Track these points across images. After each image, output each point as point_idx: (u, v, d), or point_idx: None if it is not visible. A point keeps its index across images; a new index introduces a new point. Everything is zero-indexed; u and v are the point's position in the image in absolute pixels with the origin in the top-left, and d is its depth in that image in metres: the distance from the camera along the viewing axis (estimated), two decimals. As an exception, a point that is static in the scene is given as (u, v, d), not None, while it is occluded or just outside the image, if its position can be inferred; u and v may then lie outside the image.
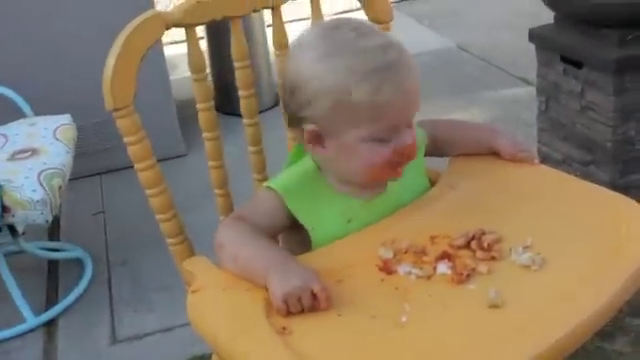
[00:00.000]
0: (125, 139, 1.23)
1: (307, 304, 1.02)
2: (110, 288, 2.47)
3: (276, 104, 3.64)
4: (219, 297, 1.08)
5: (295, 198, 1.19)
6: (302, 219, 1.19)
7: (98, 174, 3.18)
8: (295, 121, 1.18)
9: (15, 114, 2.59)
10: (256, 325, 1.00)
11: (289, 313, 1.01)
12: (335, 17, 1.24)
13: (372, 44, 1.13)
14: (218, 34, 3.51)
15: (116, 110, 1.21)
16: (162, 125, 3.13)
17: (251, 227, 1.15)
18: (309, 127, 1.15)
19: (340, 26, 1.17)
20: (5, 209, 2.15)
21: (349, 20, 1.20)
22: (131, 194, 2.84)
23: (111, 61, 1.20)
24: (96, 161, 3.13)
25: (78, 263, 2.57)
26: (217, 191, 1.39)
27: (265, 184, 1.23)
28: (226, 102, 3.39)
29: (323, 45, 1.14)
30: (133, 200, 2.79)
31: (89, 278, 2.49)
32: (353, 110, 1.12)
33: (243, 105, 1.39)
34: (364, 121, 1.12)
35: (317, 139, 1.17)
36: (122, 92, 1.21)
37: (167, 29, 1.26)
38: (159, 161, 1.28)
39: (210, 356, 2.01)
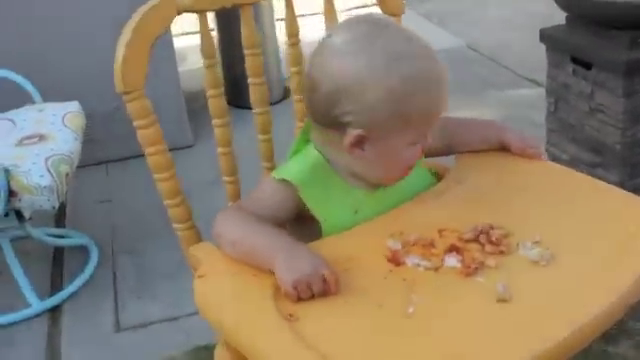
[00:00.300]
0: (135, 123, 1.23)
1: (317, 290, 1.02)
2: (115, 276, 2.47)
3: (284, 97, 3.64)
4: (226, 282, 1.08)
5: (309, 190, 1.19)
6: (315, 211, 1.19)
7: (105, 162, 3.18)
8: (335, 124, 1.16)
9: (24, 100, 2.59)
10: (262, 311, 1.00)
11: (299, 299, 1.01)
12: (358, 14, 1.23)
13: (420, 51, 1.14)
14: (229, 26, 3.51)
15: (126, 94, 1.22)
16: (170, 115, 3.14)
17: (253, 215, 1.15)
18: (355, 132, 1.14)
19: (378, 27, 1.16)
20: (12, 194, 2.15)
21: (380, 19, 1.20)
22: (137, 183, 2.86)
23: (122, 44, 1.20)
24: (104, 149, 3.14)
25: (83, 250, 2.58)
26: (226, 178, 1.39)
27: (275, 175, 1.21)
28: (236, 95, 3.38)
29: (372, 51, 1.12)
30: (139, 189, 2.80)
31: (94, 265, 2.50)
32: (408, 117, 1.13)
33: (253, 93, 1.39)
34: (413, 127, 1.15)
35: (360, 143, 1.16)
36: (133, 76, 1.21)
37: (178, 14, 1.26)
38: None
39: (214, 347, 2.03)
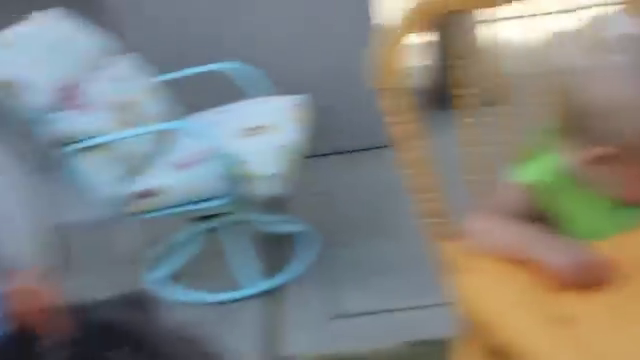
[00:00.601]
0: (391, 119, 1.26)
1: (592, 274, 1.02)
2: (332, 266, 2.52)
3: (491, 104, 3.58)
4: (489, 279, 1.09)
5: (552, 194, 1.18)
6: (558, 215, 1.18)
7: (328, 154, 3.16)
8: (585, 135, 1.14)
9: (256, 91, 2.70)
10: (529, 308, 1.00)
11: (573, 285, 1.01)
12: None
13: None
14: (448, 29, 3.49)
15: (383, 90, 1.25)
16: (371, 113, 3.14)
17: (505, 215, 1.15)
18: (605, 149, 1.12)
19: None
20: (240, 181, 2.26)
21: None
22: (358, 177, 2.91)
23: (379, 42, 1.23)
24: (328, 142, 3.10)
25: (303, 238, 2.65)
26: (469, 177, 1.38)
27: (518, 178, 1.21)
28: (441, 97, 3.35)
29: None
30: (360, 183, 2.85)
31: (313, 254, 2.57)
32: None
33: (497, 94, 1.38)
34: None
35: (606, 160, 1.14)
36: (390, 73, 1.24)
37: (432, 14, 1.28)
38: (367, 149, 1.29)
39: (421, 343, 2.04)
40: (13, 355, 0.87)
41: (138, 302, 0.99)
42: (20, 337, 0.87)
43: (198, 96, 2.74)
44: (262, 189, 2.28)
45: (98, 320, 0.90)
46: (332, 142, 3.17)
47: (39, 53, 2.40)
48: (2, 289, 0.88)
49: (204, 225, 2.63)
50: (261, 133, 2.43)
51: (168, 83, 2.73)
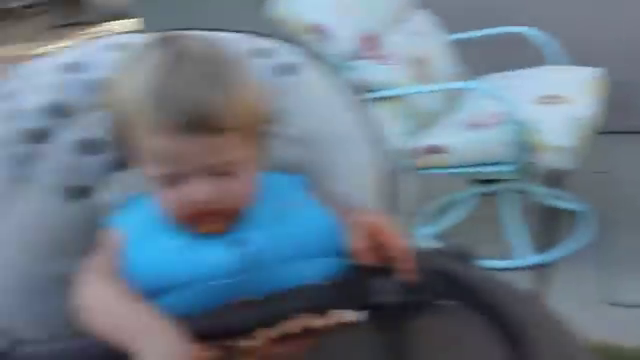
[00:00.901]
0: None
1: None
2: (610, 250, 2.42)
3: None
4: None
5: None
6: None
7: (616, 132, 3.00)
8: None
9: (548, 59, 2.63)
10: None
11: None
12: None
13: None
14: None
15: None
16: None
17: None
18: None
19: None
20: (529, 149, 2.21)
21: None
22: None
23: None
24: (618, 119, 2.91)
25: (581, 217, 2.56)
26: None
27: None
28: None
29: None
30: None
31: (590, 234, 2.48)
32: None
33: None
34: None
35: None
36: None
37: None
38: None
39: None
40: (350, 287, 0.89)
41: (462, 255, 0.98)
42: (360, 272, 0.89)
43: (487, 58, 2.72)
44: (551, 161, 2.22)
45: (430, 269, 0.91)
46: (623, 120, 3.02)
47: (347, 1, 2.48)
48: (347, 223, 0.91)
49: (482, 188, 2.62)
50: (557, 103, 2.36)
51: (459, 42, 2.73)
